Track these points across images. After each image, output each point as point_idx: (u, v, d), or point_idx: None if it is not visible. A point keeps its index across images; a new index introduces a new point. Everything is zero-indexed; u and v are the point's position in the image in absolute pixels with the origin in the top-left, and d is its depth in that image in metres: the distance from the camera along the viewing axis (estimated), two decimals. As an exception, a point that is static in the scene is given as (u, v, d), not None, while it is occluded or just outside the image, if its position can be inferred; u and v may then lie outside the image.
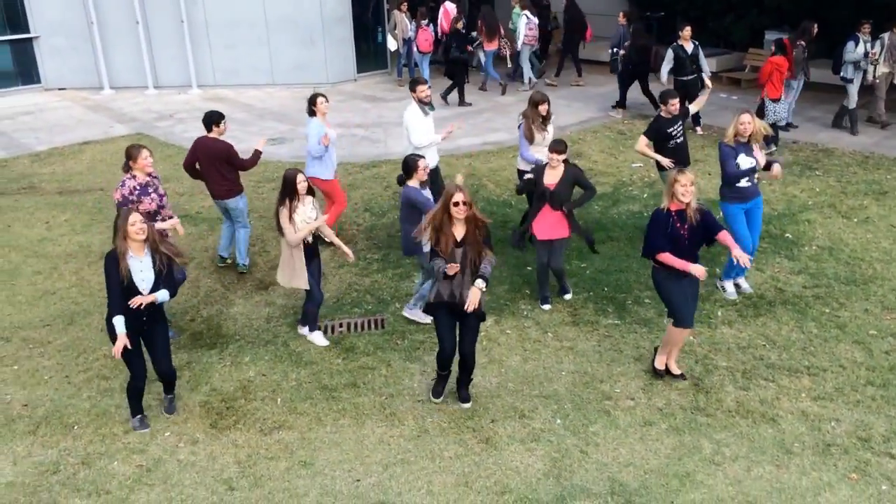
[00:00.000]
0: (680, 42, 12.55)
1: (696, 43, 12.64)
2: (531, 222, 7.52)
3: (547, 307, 7.69)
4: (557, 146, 7.39)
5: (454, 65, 15.36)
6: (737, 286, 7.81)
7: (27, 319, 7.78)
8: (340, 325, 7.56)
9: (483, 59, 16.33)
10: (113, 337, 5.60)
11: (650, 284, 7.91)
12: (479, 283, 5.70)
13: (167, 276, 5.71)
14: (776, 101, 11.54)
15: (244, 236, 8.58)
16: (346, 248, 7.24)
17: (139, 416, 6.07)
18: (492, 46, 16.21)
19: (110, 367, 6.92)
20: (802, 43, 12.35)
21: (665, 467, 5.45)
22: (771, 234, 9.03)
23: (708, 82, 11.84)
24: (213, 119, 8.32)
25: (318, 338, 7.23)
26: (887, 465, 5.37)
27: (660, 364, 6.53)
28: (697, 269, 5.91)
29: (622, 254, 8.73)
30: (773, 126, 11.70)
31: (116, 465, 5.67)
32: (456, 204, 5.70)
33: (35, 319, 7.78)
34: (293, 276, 6.92)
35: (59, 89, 18.00)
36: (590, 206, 9.65)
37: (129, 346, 5.58)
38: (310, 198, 6.94)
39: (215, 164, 8.19)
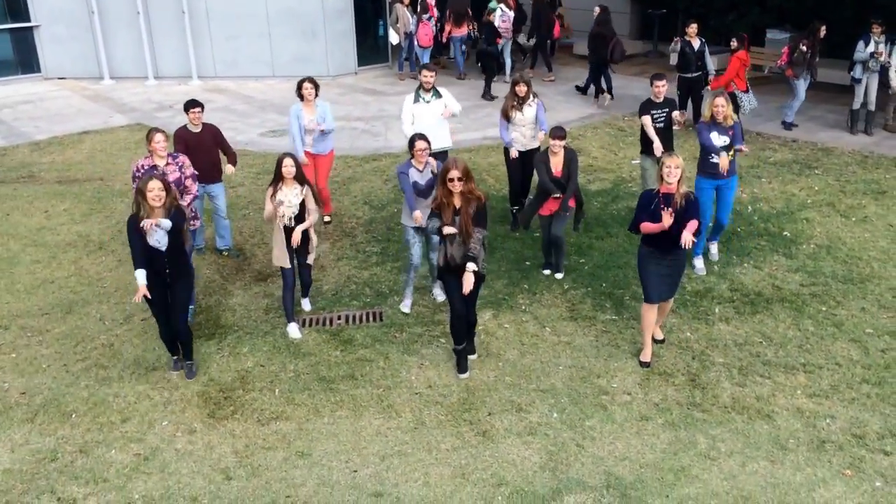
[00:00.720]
0: (686, 38, 12.57)
1: (703, 40, 12.67)
2: (537, 206, 7.94)
3: (547, 272, 8.20)
4: (558, 132, 7.77)
5: (485, 58, 15.46)
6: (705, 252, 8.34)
7: (25, 308, 7.79)
8: (339, 318, 7.57)
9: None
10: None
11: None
12: (469, 265, 6.10)
13: (179, 241, 6.29)
14: (746, 92, 11.99)
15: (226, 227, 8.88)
16: (314, 245, 7.36)
17: (174, 359, 6.67)
18: (460, 32, 16.51)
19: (108, 356, 6.94)
20: (806, 43, 12.31)
21: (660, 461, 5.48)
22: (769, 232, 9.05)
23: (711, 78, 12.32)
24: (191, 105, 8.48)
25: (292, 329, 7.26)
26: (881, 462, 5.40)
27: (644, 357, 6.68)
28: (667, 220, 6.10)
29: (620, 250, 8.75)
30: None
31: (114, 453, 5.69)
32: (451, 180, 6.12)
33: (33, 308, 7.78)
34: (275, 254, 7.13)
35: (59, 78, 17.97)
36: (588, 201, 9.67)
37: (147, 296, 6.12)
38: (297, 185, 6.98)
39: (208, 149, 8.37)
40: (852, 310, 7.40)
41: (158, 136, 7.25)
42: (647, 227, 6.30)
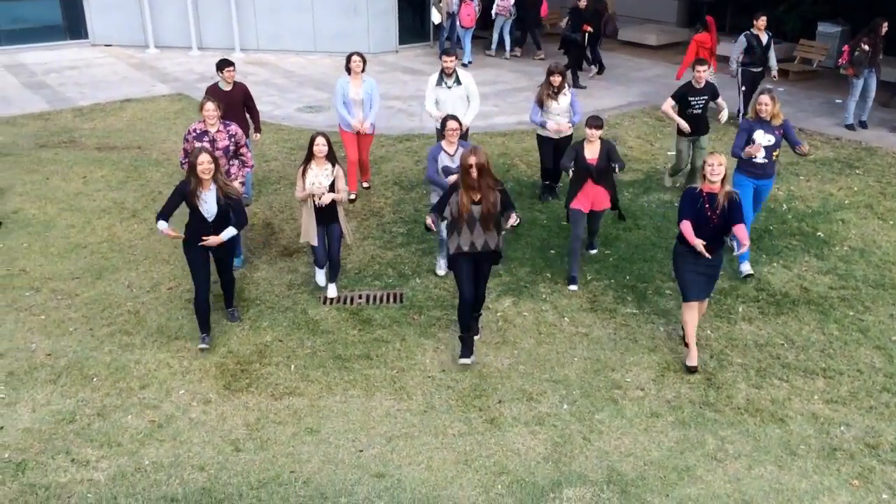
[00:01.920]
0: (754, 31, 12.07)
1: (770, 34, 12.23)
2: (573, 196, 7.77)
3: (574, 288, 7.76)
4: (595, 121, 7.67)
5: (569, 44, 15.19)
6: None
7: (57, 271, 8.00)
8: (360, 297, 7.64)
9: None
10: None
11: (673, 276, 7.89)
12: (513, 217, 6.20)
13: (234, 213, 6.57)
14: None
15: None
16: (347, 227, 7.52)
17: (203, 336, 6.74)
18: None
19: (133, 322, 7.11)
20: (867, 41, 11.83)
21: (665, 460, 5.45)
22: (802, 232, 8.87)
23: (775, 73, 12.27)
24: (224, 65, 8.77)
25: (319, 276, 7.60)
26: (892, 474, 5.30)
27: (690, 361, 6.47)
28: (699, 245, 6.12)
29: (647, 242, 8.66)
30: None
31: (130, 418, 5.85)
32: (470, 166, 6.12)
33: (65, 272, 8.00)
34: (304, 230, 7.33)
35: (106, 45, 18.28)
36: (620, 191, 9.55)
37: (172, 234, 6.51)
38: (329, 165, 7.11)
39: (237, 107, 8.68)
40: (880, 316, 7.23)
41: (209, 105, 7.48)
42: (686, 230, 6.20)
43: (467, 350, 6.54)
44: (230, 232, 6.58)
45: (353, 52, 9.37)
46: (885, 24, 12.07)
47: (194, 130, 7.55)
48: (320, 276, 7.61)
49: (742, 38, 12.14)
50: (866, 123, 12.47)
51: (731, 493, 5.16)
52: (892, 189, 10.05)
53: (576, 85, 14.74)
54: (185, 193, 6.45)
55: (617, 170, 7.70)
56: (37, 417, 5.85)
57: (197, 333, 6.77)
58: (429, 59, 17.59)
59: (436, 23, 17.43)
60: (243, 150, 7.73)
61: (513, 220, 6.16)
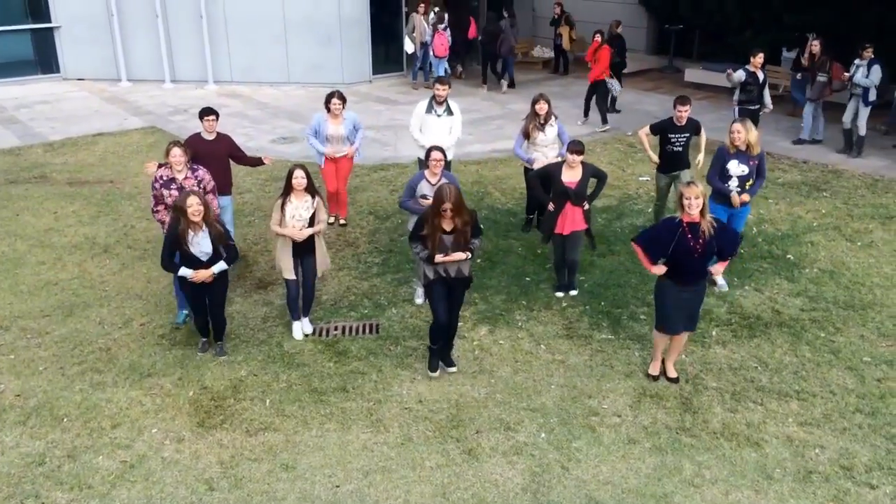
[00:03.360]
0: (750, 68, 11.67)
1: (766, 71, 12.01)
2: (555, 222, 7.77)
3: (560, 294, 8.06)
4: (576, 146, 7.64)
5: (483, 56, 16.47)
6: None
7: (27, 309, 7.89)
8: (335, 329, 7.60)
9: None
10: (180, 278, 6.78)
11: (647, 300, 7.96)
12: (465, 254, 6.38)
13: (226, 249, 6.69)
14: (611, 77, 14.09)
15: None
16: (323, 253, 7.42)
17: (202, 342, 7.12)
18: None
19: (104, 360, 7.01)
20: (805, 58, 12.86)
21: (643, 487, 5.44)
22: (773, 255, 8.98)
23: (768, 109, 12.05)
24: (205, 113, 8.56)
25: (297, 329, 7.42)
26: (866, 496, 5.34)
27: (652, 370, 6.72)
28: (658, 270, 6.28)
29: (622, 268, 8.72)
30: (613, 100, 15.02)
31: (101, 459, 5.74)
32: (444, 211, 6.19)
33: (35, 309, 7.88)
34: (278, 263, 7.24)
35: (78, 79, 18.22)
36: (593, 217, 9.63)
37: (202, 280, 6.62)
38: (308, 197, 7.02)
39: (220, 159, 8.40)
40: (851, 337, 7.32)
41: (175, 151, 7.23)
42: (639, 253, 6.35)
43: (436, 361, 6.72)
44: (221, 266, 6.62)
45: (332, 92, 9.20)
46: (817, 43, 12.63)
47: (161, 178, 7.31)
48: (297, 329, 7.40)
49: (741, 73, 11.72)
50: (820, 140, 13.05)
51: (708, 519, 5.17)
52: (858, 211, 10.23)
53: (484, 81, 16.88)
54: (176, 238, 6.44)
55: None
56: (5, 461, 5.72)
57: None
58: (402, 88, 17.73)
59: (409, 52, 17.60)
60: (209, 196, 7.43)
61: (471, 249, 6.37)
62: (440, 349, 6.80)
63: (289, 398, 6.48)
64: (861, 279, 8.40)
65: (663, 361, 6.75)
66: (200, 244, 6.50)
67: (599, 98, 14.21)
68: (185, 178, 7.34)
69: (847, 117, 12.26)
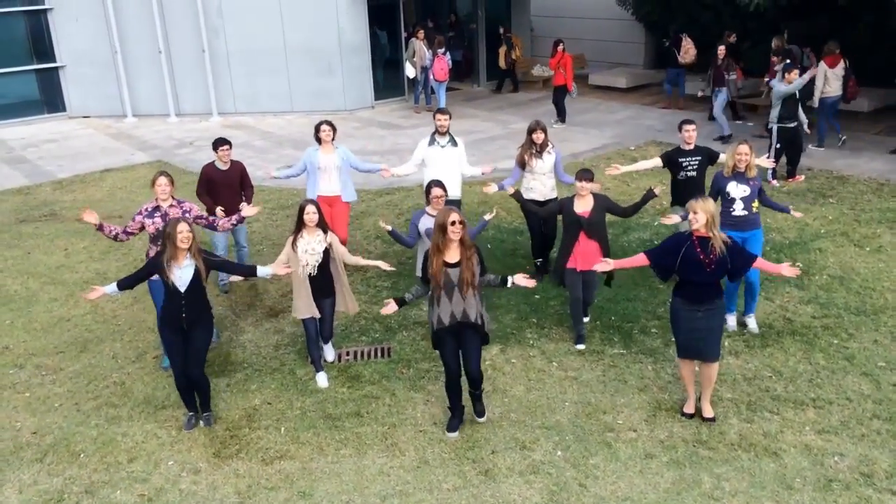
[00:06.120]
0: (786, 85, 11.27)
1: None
2: (566, 256, 7.43)
3: (581, 347, 7.49)
4: (586, 174, 7.34)
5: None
6: (743, 325, 7.72)
7: (41, 346, 7.94)
8: (347, 354, 7.62)
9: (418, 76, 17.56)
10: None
11: (657, 314, 7.95)
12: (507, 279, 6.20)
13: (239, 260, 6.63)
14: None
15: (245, 256, 9.10)
16: (376, 263, 7.21)
17: (188, 416, 6.57)
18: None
19: (119, 394, 7.04)
20: (721, 51, 14.05)
21: (662, 502, 5.41)
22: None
23: (807, 128, 11.76)
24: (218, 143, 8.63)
25: (321, 379, 7.10)
26: (888, 503, 5.29)
27: (687, 409, 6.41)
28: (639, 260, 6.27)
29: (630, 282, 8.72)
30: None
31: (119, 494, 5.75)
32: (453, 223, 5.84)
33: (49, 346, 7.93)
34: (296, 305, 6.99)
35: (84, 117, 18.43)
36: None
37: (90, 297, 6.36)
38: (320, 232, 6.89)
39: (234, 187, 8.55)
40: (864, 342, 7.30)
41: (161, 180, 7.14)
42: (621, 262, 6.47)
43: (456, 422, 6.31)
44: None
45: (322, 120, 9.02)
46: (733, 36, 13.38)
47: (145, 210, 7.19)
48: (322, 378, 7.09)
49: (779, 92, 11.27)
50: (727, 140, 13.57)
51: (729, 531, 5.13)
52: (865, 216, 10.22)
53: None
54: (159, 264, 6.20)
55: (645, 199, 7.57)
56: (24, 499, 5.74)
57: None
58: (404, 112, 17.86)
59: (410, 77, 17.74)
60: (223, 220, 7.46)
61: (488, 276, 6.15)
62: (470, 394, 6.33)
63: (303, 425, 6.48)
64: (871, 284, 8.38)
65: (698, 398, 6.41)
66: (182, 270, 6.21)
67: (559, 97, 15.88)
68: (171, 206, 7.23)
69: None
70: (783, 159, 11.72)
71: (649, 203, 11.07)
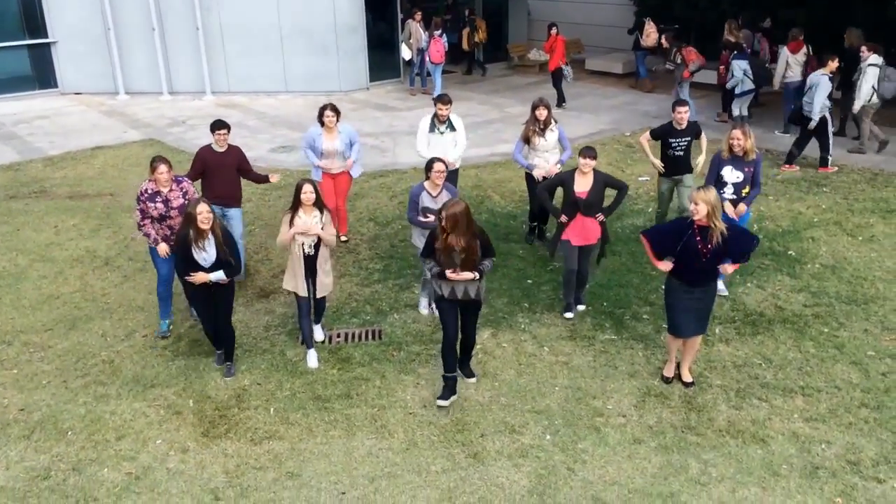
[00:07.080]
0: (828, 73, 11.26)
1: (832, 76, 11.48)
2: (562, 229, 7.58)
3: (570, 315, 7.73)
4: (589, 152, 7.42)
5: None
6: None
7: (30, 323, 7.89)
8: (338, 336, 7.59)
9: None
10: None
11: (650, 300, 7.95)
12: (474, 274, 6.18)
13: (226, 260, 6.65)
14: (566, 64, 15.76)
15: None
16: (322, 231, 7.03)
17: (217, 354, 7.11)
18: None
19: (108, 372, 7.01)
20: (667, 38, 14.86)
21: (650, 487, 5.43)
22: (774, 252, 8.97)
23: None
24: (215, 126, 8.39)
25: (311, 358, 7.10)
26: (874, 490, 5.32)
27: (666, 372, 6.68)
28: (664, 266, 6.27)
29: (623, 268, 8.71)
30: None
31: (106, 472, 5.73)
32: (445, 226, 6.02)
33: (37, 323, 7.88)
34: (291, 279, 6.99)
35: (76, 94, 18.24)
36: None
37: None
38: (317, 211, 6.86)
39: (229, 170, 8.34)
40: (855, 331, 7.31)
41: (162, 168, 7.11)
42: (646, 245, 6.36)
43: (448, 392, 6.39)
44: (219, 275, 6.60)
45: (325, 104, 8.98)
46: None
47: (146, 191, 7.21)
48: (311, 357, 7.08)
49: (826, 82, 11.19)
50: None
51: (716, 517, 5.15)
52: (859, 205, 10.22)
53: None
54: (187, 245, 6.49)
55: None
56: (10, 475, 5.72)
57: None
58: (400, 94, 17.75)
59: (405, 59, 17.62)
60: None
61: (485, 266, 6.25)
62: (460, 360, 6.59)
63: (293, 406, 6.47)
64: (863, 273, 8.39)
65: (678, 364, 6.68)
66: (206, 252, 6.53)
67: (557, 81, 15.92)
68: (170, 190, 7.26)
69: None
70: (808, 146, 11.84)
71: (644, 189, 11.15)
